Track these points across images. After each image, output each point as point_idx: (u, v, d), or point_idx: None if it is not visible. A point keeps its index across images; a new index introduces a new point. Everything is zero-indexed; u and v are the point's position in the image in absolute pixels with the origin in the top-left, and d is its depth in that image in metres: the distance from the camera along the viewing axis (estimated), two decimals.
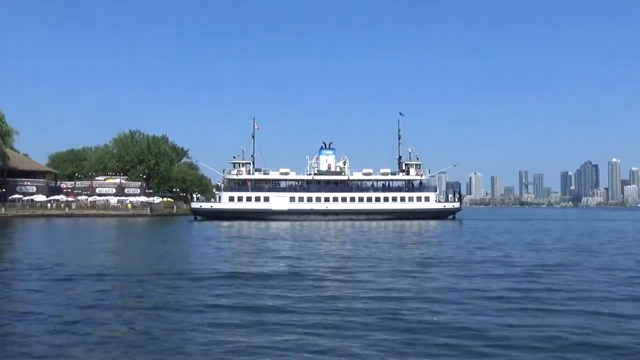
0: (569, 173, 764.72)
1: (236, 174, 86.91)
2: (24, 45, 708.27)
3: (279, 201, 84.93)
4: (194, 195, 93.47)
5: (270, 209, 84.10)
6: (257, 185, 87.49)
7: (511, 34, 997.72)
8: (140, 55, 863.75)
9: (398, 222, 71.85)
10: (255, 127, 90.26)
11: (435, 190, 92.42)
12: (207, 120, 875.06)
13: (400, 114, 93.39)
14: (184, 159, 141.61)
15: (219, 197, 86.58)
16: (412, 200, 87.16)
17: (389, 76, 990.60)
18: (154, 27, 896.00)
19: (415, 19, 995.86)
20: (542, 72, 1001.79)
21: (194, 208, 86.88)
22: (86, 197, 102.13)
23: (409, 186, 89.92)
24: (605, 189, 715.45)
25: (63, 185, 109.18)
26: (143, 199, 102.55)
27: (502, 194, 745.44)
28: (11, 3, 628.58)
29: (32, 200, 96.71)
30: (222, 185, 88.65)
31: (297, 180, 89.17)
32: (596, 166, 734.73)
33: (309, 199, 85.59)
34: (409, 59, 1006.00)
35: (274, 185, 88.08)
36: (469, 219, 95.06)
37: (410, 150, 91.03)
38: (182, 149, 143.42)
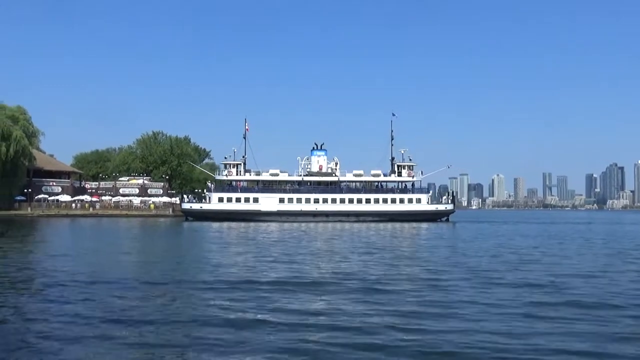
0: (594, 175, 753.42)
1: (226, 175, 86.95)
2: (30, 45, 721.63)
3: (268, 202, 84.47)
4: (184, 196, 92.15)
5: (260, 210, 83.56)
6: (247, 187, 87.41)
7: (530, 32, 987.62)
8: (147, 55, 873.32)
9: (389, 225, 70.71)
10: (246, 127, 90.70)
11: (428, 192, 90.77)
12: (219, 119, 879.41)
13: (394, 114, 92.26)
14: (206, 160, 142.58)
15: (209, 198, 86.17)
16: (404, 202, 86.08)
17: (395, 76, 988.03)
18: (152, 27, 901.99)
19: (416, 18, 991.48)
20: (565, 72, 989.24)
21: (184, 209, 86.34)
22: (110, 198, 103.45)
23: (402, 187, 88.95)
24: (632, 191, 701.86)
25: (87, 186, 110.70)
26: (165, 199, 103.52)
27: (525, 196, 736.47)
28: (21, 2, 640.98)
29: (57, 200, 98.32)
30: (213, 186, 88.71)
31: (287, 182, 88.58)
32: (622, 168, 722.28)
33: (299, 200, 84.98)
34: (417, 58, 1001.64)
35: (265, 186, 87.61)
36: (465, 221, 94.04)
37: (403, 152, 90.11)
38: (204, 149, 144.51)
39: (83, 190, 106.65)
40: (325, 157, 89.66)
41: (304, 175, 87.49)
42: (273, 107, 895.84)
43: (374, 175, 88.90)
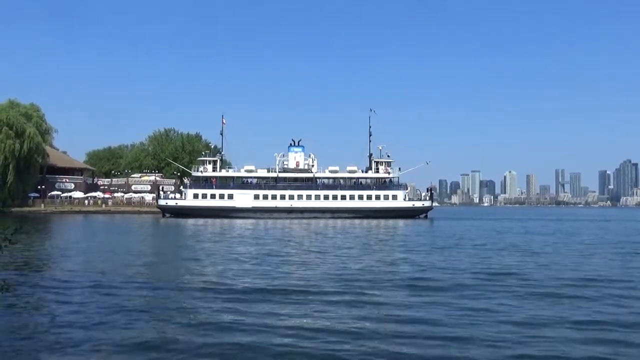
0: (608, 172, 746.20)
1: (202, 171, 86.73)
2: (43, 43, 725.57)
3: (243, 199, 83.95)
4: (161, 192, 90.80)
5: (235, 207, 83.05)
6: (223, 183, 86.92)
7: (541, 29, 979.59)
8: (157, 53, 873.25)
9: (365, 221, 70.23)
10: (223, 122, 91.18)
11: (406, 189, 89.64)
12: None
13: (372, 110, 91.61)
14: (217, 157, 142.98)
15: (184, 194, 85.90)
16: (379, 199, 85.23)
17: (397, 74, 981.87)
18: (161, 26, 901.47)
19: (411, 16, 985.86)
20: (578, 69, 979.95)
21: (160, 205, 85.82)
22: (122, 194, 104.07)
23: (379, 184, 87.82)
24: None
25: (100, 183, 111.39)
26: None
27: (537, 193, 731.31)
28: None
29: (70, 197, 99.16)
30: (189, 182, 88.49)
31: (262, 178, 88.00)
32: (636, 165, 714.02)
33: (274, 197, 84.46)
34: (422, 56, 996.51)
35: (244, 183, 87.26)
36: (448, 218, 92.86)
37: (380, 148, 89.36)
38: (215, 146, 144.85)
39: (95, 187, 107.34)
40: (302, 154, 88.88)
41: (279, 172, 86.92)
42: (258, 104, 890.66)
43: (349, 172, 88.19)
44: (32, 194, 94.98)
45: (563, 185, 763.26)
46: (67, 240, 37.73)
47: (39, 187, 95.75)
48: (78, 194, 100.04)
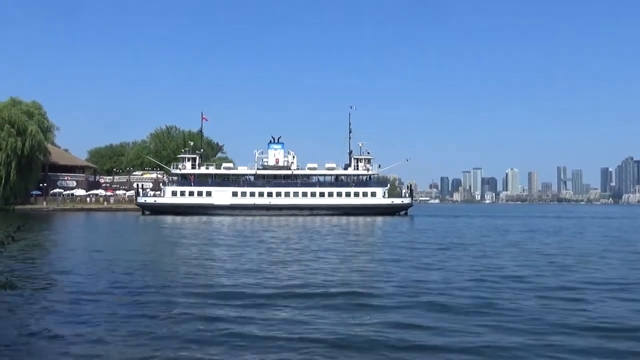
0: (609, 169, 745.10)
1: (180, 169, 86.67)
2: (45, 40, 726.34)
3: (221, 196, 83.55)
4: (140, 190, 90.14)
5: (213, 204, 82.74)
6: (202, 180, 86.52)
7: (542, 26, 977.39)
8: (158, 51, 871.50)
9: (343, 219, 69.77)
10: (204, 118, 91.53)
11: (385, 186, 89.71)
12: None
13: (352, 107, 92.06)
14: (219, 154, 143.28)
15: (163, 192, 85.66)
16: (358, 196, 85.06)
17: (396, 73, 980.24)
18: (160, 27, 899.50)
19: (414, 15, 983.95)
20: (579, 66, 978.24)
21: (139, 203, 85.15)
22: (124, 192, 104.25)
23: (359, 181, 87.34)
24: None
25: (102, 180, 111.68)
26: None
27: (539, 191, 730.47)
28: None
29: (72, 194, 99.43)
30: (167, 179, 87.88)
31: (241, 175, 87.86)
32: (638, 162, 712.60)
33: (252, 194, 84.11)
34: (423, 54, 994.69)
35: (223, 180, 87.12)
36: (428, 215, 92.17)
37: (360, 145, 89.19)
38: (217, 144, 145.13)
39: (97, 185, 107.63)
40: (282, 151, 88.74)
41: (257, 169, 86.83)
42: (260, 104, 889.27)
43: (328, 169, 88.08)
44: (34, 192, 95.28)
45: (565, 183, 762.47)
46: (59, 239, 37.87)
47: (41, 184, 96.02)
48: (80, 192, 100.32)
